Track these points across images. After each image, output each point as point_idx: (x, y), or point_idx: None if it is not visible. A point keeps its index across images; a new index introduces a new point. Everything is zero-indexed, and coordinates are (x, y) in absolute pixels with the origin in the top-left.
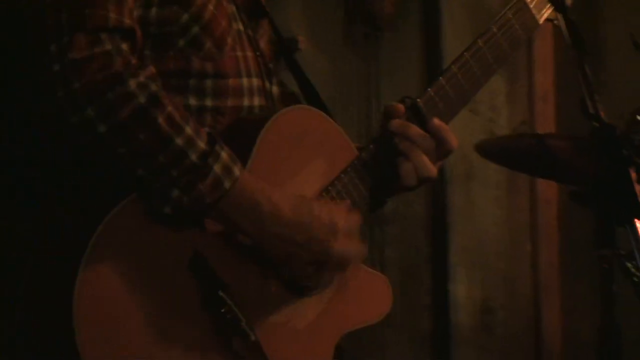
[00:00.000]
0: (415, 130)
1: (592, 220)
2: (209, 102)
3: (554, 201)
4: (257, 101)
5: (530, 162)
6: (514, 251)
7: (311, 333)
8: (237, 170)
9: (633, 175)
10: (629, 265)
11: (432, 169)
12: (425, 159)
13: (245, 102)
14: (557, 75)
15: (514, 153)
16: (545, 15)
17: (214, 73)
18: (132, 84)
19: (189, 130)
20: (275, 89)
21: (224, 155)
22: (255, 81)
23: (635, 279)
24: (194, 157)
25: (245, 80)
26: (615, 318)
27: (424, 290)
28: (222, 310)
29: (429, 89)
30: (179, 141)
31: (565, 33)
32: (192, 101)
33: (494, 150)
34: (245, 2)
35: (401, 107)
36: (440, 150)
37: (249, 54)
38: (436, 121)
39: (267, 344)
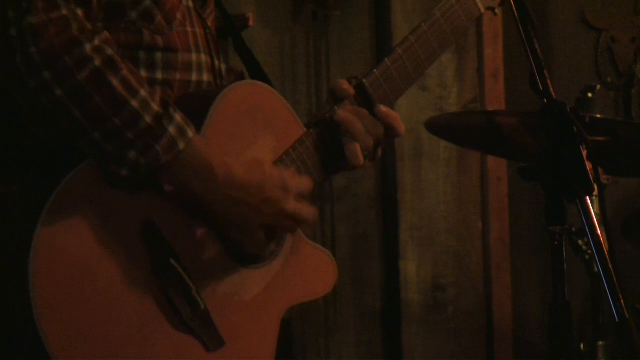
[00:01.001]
0: (364, 117)
1: (542, 197)
2: (159, 75)
3: (504, 178)
4: (205, 77)
5: (480, 139)
6: (464, 228)
7: (258, 305)
8: (190, 132)
9: (584, 152)
10: (580, 242)
11: (378, 151)
12: (371, 141)
13: (194, 77)
14: (507, 52)
15: (464, 130)
16: (489, 3)
17: (164, 46)
18: (88, 47)
19: (143, 93)
20: (223, 67)
21: (177, 117)
22: (204, 57)
23: (586, 256)
24: (148, 119)
25: (194, 56)
26: (565, 295)
27: (375, 268)
28: (173, 279)
29: (375, 70)
30: (134, 103)
31: (513, 8)
32: (143, 73)
33: (443, 127)
34: None
35: (350, 89)
36: (388, 134)
37: (198, 30)
38: (383, 108)
39: (216, 313)
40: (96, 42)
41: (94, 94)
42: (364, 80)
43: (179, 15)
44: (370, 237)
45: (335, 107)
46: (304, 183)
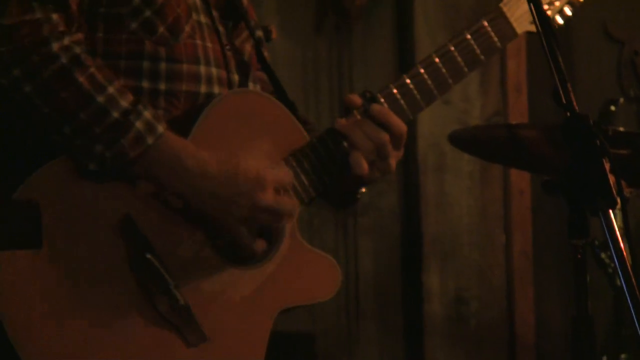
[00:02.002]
0: (365, 125)
1: (565, 210)
2: (162, 85)
3: (527, 191)
4: (217, 89)
5: (503, 152)
6: (487, 242)
7: (247, 305)
8: (160, 128)
9: (606, 165)
10: (603, 255)
11: (388, 162)
12: (371, 146)
13: (203, 89)
14: (530, 65)
15: (487, 143)
16: (526, 26)
17: (167, 57)
18: (56, 46)
19: (111, 89)
20: (253, 85)
21: (146, 113)
22: (216, 71)
23: (609, 270)
24: (115, 114)
25: (203, 68)
26: (588, 308)
27: (397, 281)
28: (150, 273)
29: (391, 85)
30: (100, 99)
31: (536, 22)
32: (145, 84)
33: (466, 140)
34: (220, 1)
35: (357, 99)
36: (392, 137)
37: (211, 45)
38: (376, 107)
39: (199, 309)
40: (65, 41)
41: (60, 90)
42: (378, 95)
43: (187, 28)
44: (393, 251)
45: (338, 118)
46: (282, 175)
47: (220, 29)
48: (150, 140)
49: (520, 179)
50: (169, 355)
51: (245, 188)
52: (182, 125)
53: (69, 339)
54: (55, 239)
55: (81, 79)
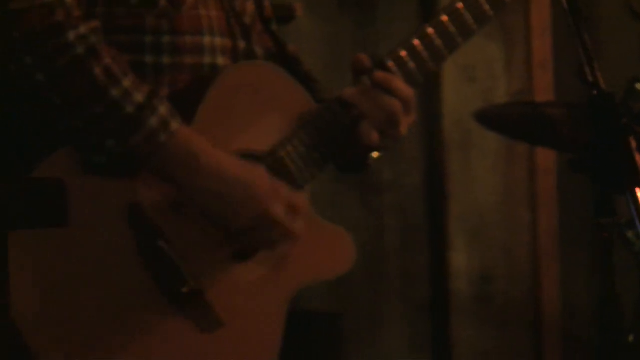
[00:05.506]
0: (373, 93)
1: (591, 189)
2: (166, 60)
3: (552, 170)
4: (221, 60)
5: (529, 130)
6: (512, 220)
7: (262, 287)
8: (174, 124)
9: (633, 143)
10: (629, 234)
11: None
12: (382, 116)
13: (207, 59)
14: (556, 43)
15: (512, 121)
16: None
17: (170, 30)
18: (72, 35)
19: (126, 82)
20: (259, 50)
21: (161, 108)
22: (220, 40)
23: (636, 248)
24: (129, 109)
25: (207, 39)
26: (615, 287)
27: (423, 259)
28: (161, 261)
29: (398, 48)
30: (114, 92)
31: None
32: (149, 59)
33: (492, 118)
34: None
35: (367, 61)
36: (406, 106)
37: (215, 13)
38: (379, 75)
39: (213, 295)
40: (81, 29)
41: (74, 80)
42: (385, 59)
43: None
44: (418, 229)
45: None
46: (297, 196)
47: None
48: (163, 138)
49: (546, 157)
50: (184, 343)
51: (258, 193)
52: (188, 102)
53: (81, 328)
54: (66, 235)
55: (96, 70)
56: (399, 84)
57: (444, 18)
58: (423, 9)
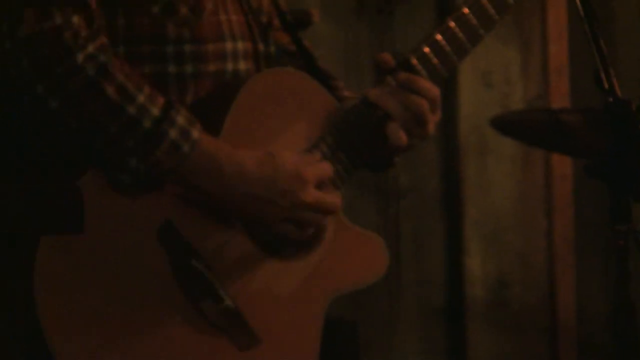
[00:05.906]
0: (399, 93)
1: (607, 195)
2: (189, 69)
3: (568, 176)
4: (243, 65)
5: (545, 136)
6: (528, 226)
7: (296, 299)
8: (195, 133)
9: None
10: None
11: (427, 127)
12: (410, 116)
13: (229, 66)
14: (572, 48)
15: (529, 128)
16: None
17: (191, 38)
18: (80, 57)
19: (141, 98)
20: (275, 49)
21: (179, 119)
22: (242, 44)
23: None
24: (147, 124)
25: (229, 44)
26: (630, 294)
27: (439, 264)
28: (195, 280)
29: (422, 44)
30: (130, 110)
31: (578, 5)
32: (172, 69)
33: (508, 124)
34: None
35: (390, 59)
36: (432, 105)
37: (235, 17)
38: (402, 75)
39: (248, 311)
40: (90, 49)
41: (88, 103)
42: (409, 56)
43: (209, 5)
44: (434, 234)
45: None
46: (321, 169)
47: None
48: (186, 148)
49: (562, 163)
50: None
51: (286, 187)
52: (214, 110)
53: (110, 348)
54: (98, 255)
55: (109, 90)
56: (425, 83)
57: (465, 10)
58: (440, 14)
